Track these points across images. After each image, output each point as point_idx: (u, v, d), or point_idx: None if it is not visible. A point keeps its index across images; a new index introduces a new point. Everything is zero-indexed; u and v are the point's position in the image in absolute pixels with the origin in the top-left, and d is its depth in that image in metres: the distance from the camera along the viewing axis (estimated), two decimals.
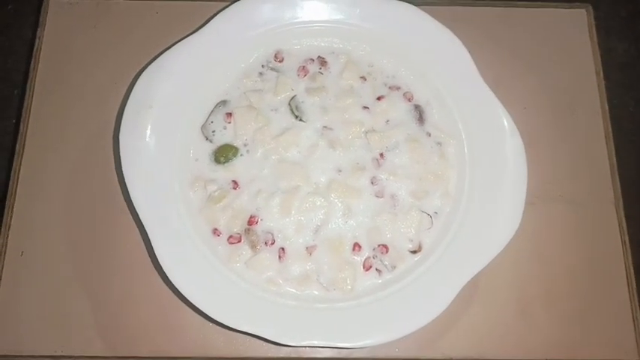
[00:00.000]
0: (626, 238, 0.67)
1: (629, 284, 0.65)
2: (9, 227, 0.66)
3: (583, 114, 0.72)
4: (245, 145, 0.65)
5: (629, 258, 0.66)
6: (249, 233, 0.61)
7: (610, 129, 0.71)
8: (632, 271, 0.65)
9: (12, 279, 0.64)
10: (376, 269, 0.61)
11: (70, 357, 0.62)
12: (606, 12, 0.79)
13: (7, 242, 0.65)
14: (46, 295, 0.64)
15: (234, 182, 0.63)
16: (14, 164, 0.68)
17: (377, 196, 0.63)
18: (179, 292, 0.57)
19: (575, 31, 0.76)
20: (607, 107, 0.72)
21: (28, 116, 0.70)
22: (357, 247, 0.62)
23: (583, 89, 0.73)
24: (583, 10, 0.76)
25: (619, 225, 0.67)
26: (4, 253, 0.65)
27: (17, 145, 0.69)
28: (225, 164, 0.64)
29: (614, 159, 0.70)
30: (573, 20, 0.76)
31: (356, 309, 0.59)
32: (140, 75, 0.63)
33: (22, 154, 0.69)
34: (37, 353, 0.62)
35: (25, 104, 0.71)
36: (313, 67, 0.69)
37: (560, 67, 0.74)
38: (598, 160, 0.70)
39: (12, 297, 0.63)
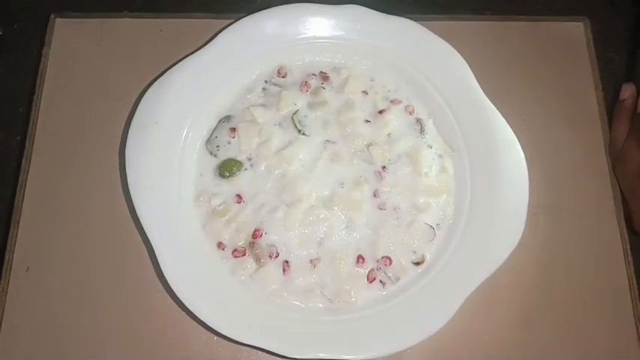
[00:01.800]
0: (628, 247, 0.67)
1: (631, 293, 0.65)
2: (15, 243, 0.66)
3: (582, 125, 0.73)
4: (249, 159, 0.66)
5: (631, 267, 0.66)
6: (253, 247, 0.62)
7: (609, 139, 0.72)
8: (634, 280, 0.65)
9: (18, 295, 0.64)
10: (380, 281, 0.62)
11: None
12: (603, 23, 0.80)
13: (12, 258, 0.66)
14: (51, 311, 0.64)
15: (239, 196, 0.64)
16: (20, 181, 0.69)
17: (380, 209, 0.64)
18: (184, 305, 0.57)
19: (573, 44, 0.77)
20: (606, 118, 0.73)
21: (34, 133, 0.71)
22: (360, 259, 0.62)
23: (582, 101, 0.74)
24: (580, 24, 0.77)
25: (620, 234, 0.67)
26: (10, 269, 0.65)
27: (23, 162, 0.70)
28: (230, 178, 0.65)
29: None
30: (571, 33, 0.77)
31: (360, 321, 0.59)
32: (145, 92, 0.64)
33: (28, 171, 0.69)
34: None
35: (31, 121, 0.71)
36: (315, 82, 0.70)
37: (559, 79, 0.75)
38: (598, 170, 0.70)
39: (18, 313, 0.64)
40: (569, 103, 0.74)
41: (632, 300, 0.65)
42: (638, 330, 0.64)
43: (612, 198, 0.69)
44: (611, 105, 0.73)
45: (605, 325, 0.64)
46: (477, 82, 0.66)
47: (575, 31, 0.77)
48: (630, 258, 0.66)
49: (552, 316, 0.64)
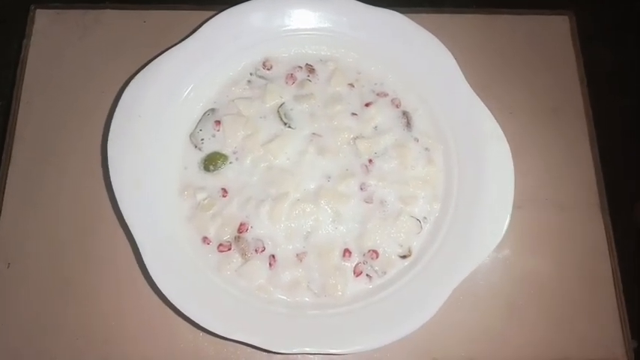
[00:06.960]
0: (612, 239, 0.67)
1: (615, 285, 0.66)
2: None
3: (568, 119, 0.73)
4: (234, 152, 0.65)
5: (616, 260, 0.67)
6: (239, 241, 0.61)
7: (594, 133, 0.72)
8: (618, 272, 0.66)
9: None
10: (367, 275, 0.61)
11: None
12: (589, 18, 0.80)
13: None
14: (33, 307, 0.63)
15: (224, 190, 0.63)
16: (0, 175, 0.68)
17: (366, 202, 0.64)
18: (169, 301, 0.56)
19: (558, 38, 0.77)
20: (591, 112, 0.73)
21: (14, 127, 0.70)
22: (347, 252, 0.62)
23: (567, 94, 0.74)
24: (566, 17, 0.78)
25: (605, 227, 0.68)
26: None
27: (3, 156, 0.68)
28: (215, 172, 0.64)
29: (599, 163, 0.71)
30: (556, 27, 0.78)
31: (347, 315, 0.59)
32: (128, 84, 0.63)
33: (9, 165, 0.68)
34: None
35: (12, 114, 0.70)
36: (301, 75, 0.69)
37: (544, 72, 0.75)
38: (583, 164, 0.71)
39: None
40: (555, 97, 0.74)
41: (615, 292, 0.66)
42: (621, 321, 0.64)
43: (597, 191, 0.70)
44: (595, 98, 0.74)
45: (590, 316, 0.65)
46: (463, 76, 0.66)
47: (561, 24, 0.78)
48: (615, 251, 0.67)
49: (538, 308, 0.65)
